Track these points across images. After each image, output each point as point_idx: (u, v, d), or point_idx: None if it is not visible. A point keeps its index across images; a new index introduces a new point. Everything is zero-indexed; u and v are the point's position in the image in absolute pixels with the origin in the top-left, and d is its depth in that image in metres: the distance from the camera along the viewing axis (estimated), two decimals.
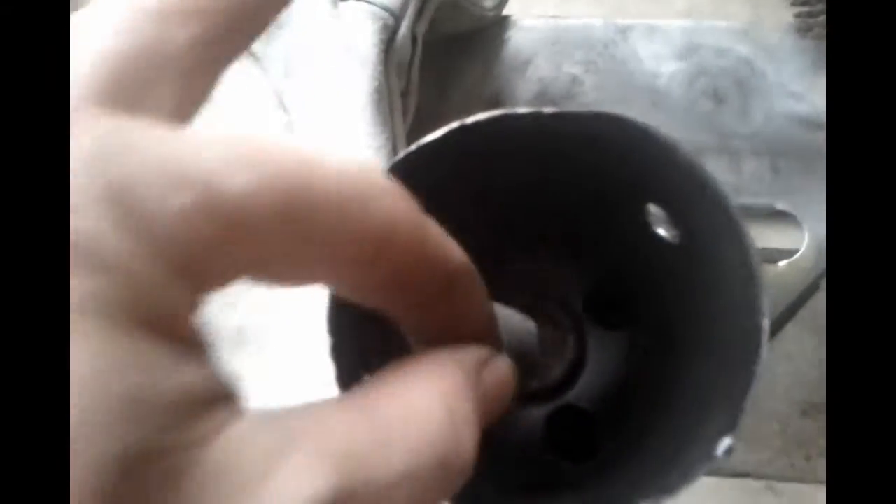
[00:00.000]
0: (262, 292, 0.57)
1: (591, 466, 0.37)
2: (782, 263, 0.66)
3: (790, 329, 0.64)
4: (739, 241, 0.27)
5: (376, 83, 0.55)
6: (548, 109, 0.28)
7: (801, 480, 0.62)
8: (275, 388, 0.56)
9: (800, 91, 0.71)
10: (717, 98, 0.71)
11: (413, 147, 0.28)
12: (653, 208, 0.32)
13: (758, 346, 0.26)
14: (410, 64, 0.62)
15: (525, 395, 0.40)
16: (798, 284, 0.64)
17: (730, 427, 0.25)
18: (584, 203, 0.35)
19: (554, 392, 0.40)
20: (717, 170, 0.70)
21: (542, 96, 0.74)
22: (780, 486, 1.49)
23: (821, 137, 0.69)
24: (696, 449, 0.26)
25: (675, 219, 0.31)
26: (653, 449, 0.31)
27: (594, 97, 0.74)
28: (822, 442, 0.62)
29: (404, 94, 0.62)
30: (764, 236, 0.68)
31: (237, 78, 0.63)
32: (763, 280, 0.26)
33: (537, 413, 0.40)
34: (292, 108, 0.60)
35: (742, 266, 0.27)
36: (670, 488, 0.25)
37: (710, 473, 0.62)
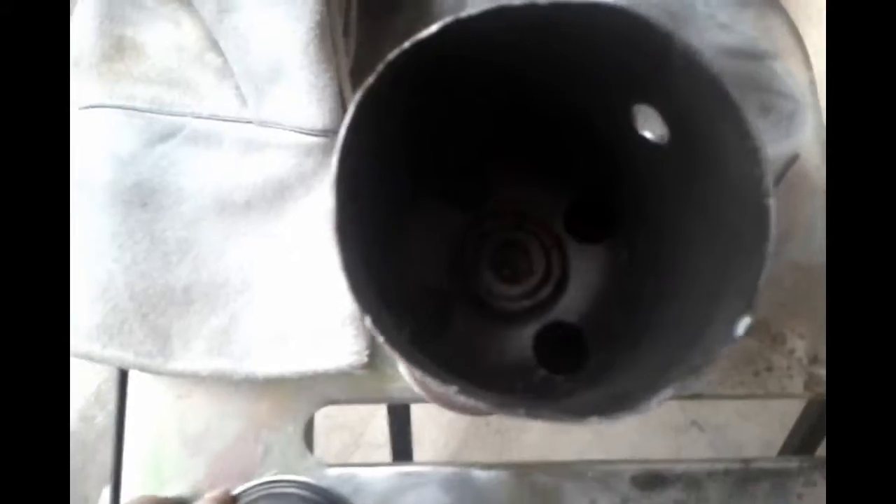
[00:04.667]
0: (207, 249, 0.54)
1: (583, 377, 0.37)
2: None
3: None
4: (738, 123, 0.27)
5: (318, 17, 0.52)
6: (543, 0, 0.27)
7: (750, 397, 0.64)
8: (226, 346, 0.53)
9: (727, 22, 0.72)
10: None
11: (407, 44, 0.27)
12: (641, 110, 0.32)
13: (766, 227, 0.26)
14: (349, 2, 0.60)
15: (515, 314, 0.39)
16: None
17: (746, 308, 0.26)
18: (568, 111, 0.34)
19: (541, 310, 0.40)
20: None
21: None
22: (704, 421, 1.55)
23: (749, 67, 0.71)
24: (714, 332, 0.26)
25: (666, 115, 0.31)
26: (654, 349, 0.31)
27: None
28: (768, 357, 0.65)
29: (344, 34, 0.59)
30: None
31: (163, 25, 0.59)
32: (767, 159, 0.26)
33: (526, 331, 0.39)
34: (227, 50, 0.56)
35: (743, 148, 0.27)
36: (696, 369, 0.25)
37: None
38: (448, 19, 0.27)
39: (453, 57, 0.29)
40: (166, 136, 0.56)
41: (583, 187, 0.39)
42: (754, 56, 0.71)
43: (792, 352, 0.66)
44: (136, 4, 0.58)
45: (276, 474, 0.56)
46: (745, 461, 0.62)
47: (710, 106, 0.28)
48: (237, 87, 0.57)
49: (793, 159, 0.66)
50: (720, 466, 0.61)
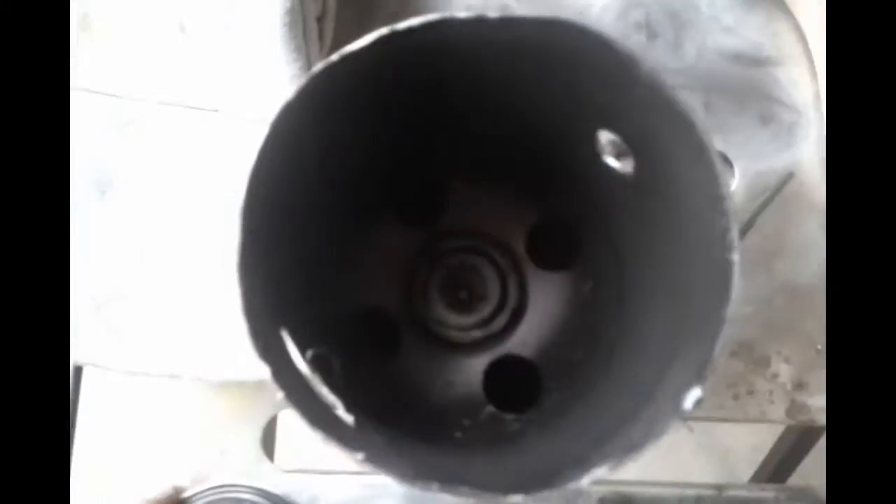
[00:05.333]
0: (167, 244, 0.51)
1: (534, 417, 0.34)
2: None
3: None
4: (707, 168, 0.24)
5: (288, 4, 0.49)
6: (493, 14, 0.24)
7: (730, 420, 0.62)
8: (182, 346, 0.51)
9: (731, 25, 0.68)
10: (651, 31, 0.68)
11: (335, 57, 0.24)
12: (605, 136, 0.29)
13: (727, 284, 0.23)
14: None
15: (465, 345, 0.37)
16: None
17: (697, 377, 0.23)
18: (528, 130, 0.31)
19: (494, 341, 0.37)
20: None
21: None
22: (695, 421, 1.53)
23: (751, 73, 0.67)
24: (661, 402, 0.24)
25: (631, 145, 0.28)
26: (606, 401, 0.29)
27: None
28: (750, 381, 0.62)
29: (320, 19, 0.56)
30: None
31: (132, 4, 0.56)
32: (734, 211, 0.23)
33: (477, 364, 0.37)
34: (195, 35, 0.53)
35: (710, 193, 0.24)
36: (635, 446, 0.22)
37: None
38: (383, 30, 0.24)
39: (396, 68, 0.26)
40: (129, 122, 0.54)
41: (547, 207, 0.36)
42: (757, 62, 0.68)
43: (776, 376, 0.63)
44: None
45: (231, 479, 0.54)
46: (719, 488, 0.60)
47: (676, 143, 0.25)
48: (206, 74, 0.54)
49: (787, 177, 0.63)
50: (691, 492, 0.59)
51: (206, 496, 0.52)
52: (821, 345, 0.64)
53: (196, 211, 0.52)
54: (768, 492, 0.60)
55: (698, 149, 0.24)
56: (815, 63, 0.67)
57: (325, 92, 0.24)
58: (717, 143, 0.65)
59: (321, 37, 0.57)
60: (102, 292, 0.51)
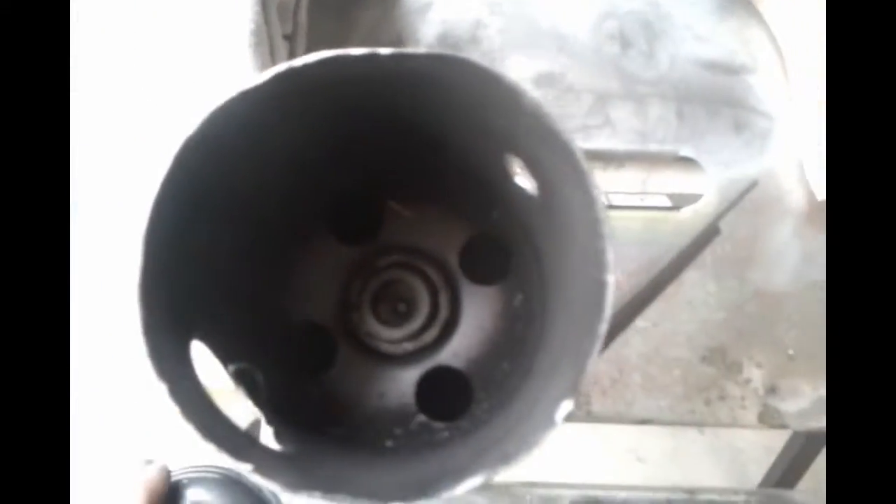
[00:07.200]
0: None
1: (463, 425, 0.36)
2: (685, 210, 0.65)
3: (692, 275, 0.64)
4: (585, 192, 0.25)
5: (253, 25, 0.51)
6: (384, 50, 0.26)
7: (701, 424, 0.62)
8: None
9: (705, 34, 0.69)
10: (624, 41, 0.69)
11: (234, 93, 0.26)
12: (510, 159, 0.30)
13: (601, 304, 0.24)
14: (297, 5, 0.58)
15: (398, 357, 0.38)
16: (700, 229, 0.64)
17: (571, 390, 0.24)
18: (446, 152, 0.32)
19: (426, 353, 0.38)
20: (624, 115, 0.69)
21: (444, 39, 0.70)
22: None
23: (725, 81, 0.68)
24: (538, 414, 0.25)
25: (529, 168, 0.29)
26: (515, 411, 0.30)
27: (499, 41, 0.71)
28: (722, 385, 0.63)
29: (290, 37, 0.58)
30: (668, 182, 0.68)
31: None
32: (609, 233, 0.25)
33: (408, 375, 0.38)
34: (168, 54, 0.55)
35: (588, 218, 0.25)
36: (508, 458, 0.23)
37: (612, 420, 0.62)
38: (280, 67, 0.26)
39: (299, 99, 0.27)
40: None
41: (478, 224, 0.37)
42: (731, 70, 0.68)
43: (748, 381, 0.63)
44: None
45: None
46: (691, 491, 0.60)
47: (560, 168, 0.26)
48: (183, 83, 0.56)
49: (751, 185, 0.64)
50: (662, 496, 0.59)
51: (186, 473, 0.53)
52: (792, 350, 0.65)
53: None
54: (740, 496, 0.60)
55: (578, 174, 0.25)
56: (788, 70, 0.68)
57: (228, 124, 0.26)
58: (690, 151, 0.65)
59: (292, 53, 0.59)
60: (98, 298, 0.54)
